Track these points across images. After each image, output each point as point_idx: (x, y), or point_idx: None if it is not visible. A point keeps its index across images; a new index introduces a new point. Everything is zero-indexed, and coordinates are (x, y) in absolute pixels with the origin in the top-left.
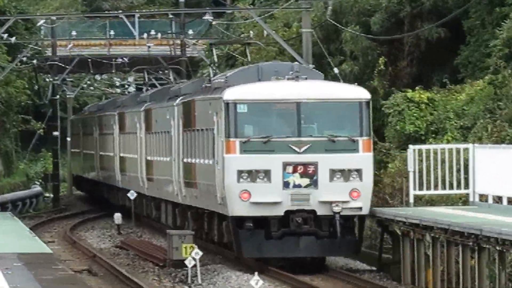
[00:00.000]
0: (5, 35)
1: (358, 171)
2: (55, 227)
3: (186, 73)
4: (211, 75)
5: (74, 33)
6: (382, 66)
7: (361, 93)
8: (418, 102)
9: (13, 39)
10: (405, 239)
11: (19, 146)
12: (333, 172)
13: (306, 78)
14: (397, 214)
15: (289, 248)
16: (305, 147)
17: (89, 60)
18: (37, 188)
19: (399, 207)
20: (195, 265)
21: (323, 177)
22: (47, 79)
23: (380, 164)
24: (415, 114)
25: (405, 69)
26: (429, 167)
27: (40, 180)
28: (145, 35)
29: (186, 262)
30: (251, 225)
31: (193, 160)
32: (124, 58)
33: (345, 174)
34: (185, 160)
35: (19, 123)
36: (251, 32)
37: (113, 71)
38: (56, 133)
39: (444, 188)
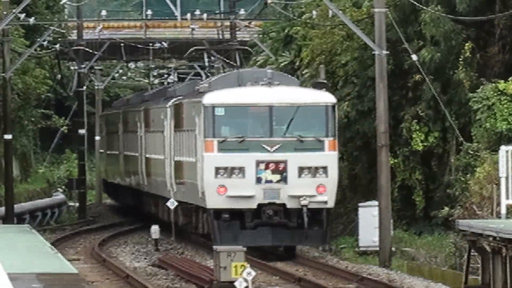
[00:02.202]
0: (23, 15)
1: (324, 168)
2: (81, 242)
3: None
4: (203, 79)
5: (103, 12)
6: (468, 53)
7: (327, 98)
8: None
9: (31, 20)
10: (496, 257)
11: (39, 146)
12: (301, 169)
13: (278, 84)
14: (487, 227)
15: (261, 237)
16: (276, 147)
17: (122, 45)
18: (59, 196)
19: (488, 219)
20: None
21: (292, 173)
22: (72, 67)
23: (466, 169)
24: (508, 109)
25: (496, 56)
26: None
27: (63, 187)
28: (188, 16)
29: (236, 284)
30: (228, 216)
31: (181, 158)
32: (163, 43)
33: (312, 171)
34: (175, 158)
35: (39, 119)
36: (313, 12)
37: (150, 58)
38: (82, 131)
39: None
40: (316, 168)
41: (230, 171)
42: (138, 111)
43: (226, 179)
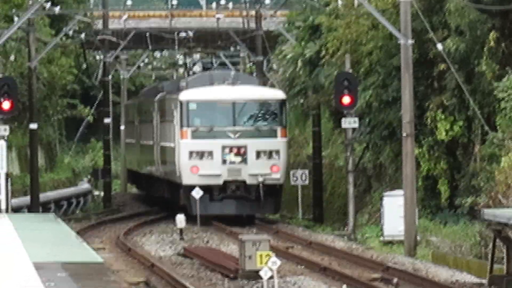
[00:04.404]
0: (48, 5)
1: (277, 152)
2: (106, 231)
3: (262, 50)
4: (185, 77)
5: (129, 2)
6: (493, 43)
7: (279, 95)
8: None
9: (57, 9)
10: None
11: (64, 136)
12: (258, 153)
13: (240, 83)
14: None
15: (227, 208)
16: (238, 134)
17: (147, 34)
18: (85, 186)
19: None
20: (272, 277)
21: (251, 156)
22: (97, 57)
23: (491, 158)
24: None
25: None
26: None
27: (88, 176)
28: (213, 5)
29: (261, 273)
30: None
31: (165, 144)
32: (189, 32)
33: (267, 154)
34: (160, 143)
35: (64, 109)
36: (339, 2)
37: (176, 47)
38: (107, 121)
39: None
40: (271, 152)
41: (201, 154)
42: (135, 104)
43: (198, 161)
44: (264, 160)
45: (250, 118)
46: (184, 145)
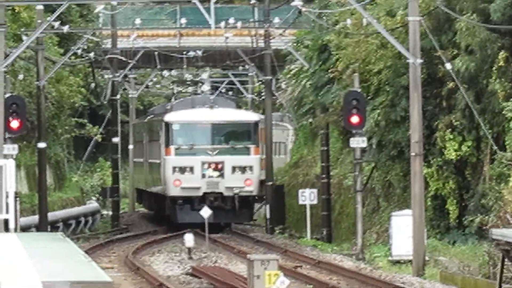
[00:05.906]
0: (57, 23)
1: (250, 167)
2: (114, 250)
3: (271, 69)
4: (172, 101)
5: (138, 21)
6: (502, 62)
7: (252, 117)
8: None
9: (66, 28)
10: None
11: (72, 155)
12: (234, 168)
13: (218, 107)
14: None
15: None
16: (216, 151)
17: (156, 53)
18: (93, 205)
19: None
20: None
21: (227, 171)
22: (106, 76)
23: (500, 178)
24: None
25: None
26: None
27: (97, 195)
28: (222, 24)
29: None
30: (182, 201)
31: (152, 160)
32: (197, 51)
33: (242, 169)
34: (149, 160)
35: (73, 128)
36: (347, 20)
37: (184, 66)
38: (116, 140)
39: None
40: (245, 167)
41: (183, 169)
42: (134, 125)
43: (181, 175)
44: (239, 175)
45: (226, 138)
46: (168, 161)
